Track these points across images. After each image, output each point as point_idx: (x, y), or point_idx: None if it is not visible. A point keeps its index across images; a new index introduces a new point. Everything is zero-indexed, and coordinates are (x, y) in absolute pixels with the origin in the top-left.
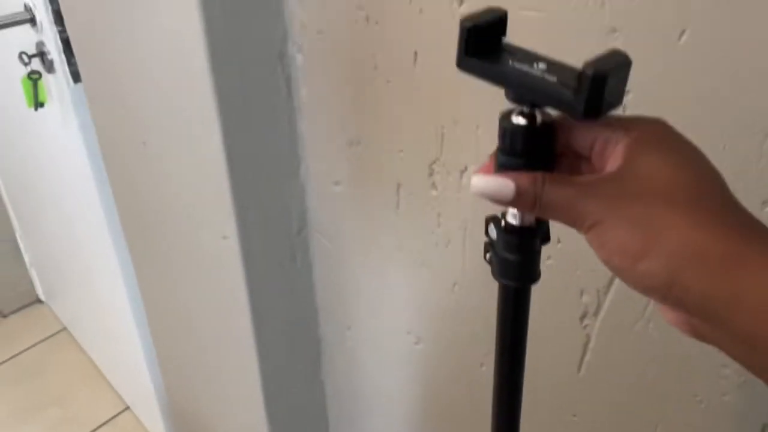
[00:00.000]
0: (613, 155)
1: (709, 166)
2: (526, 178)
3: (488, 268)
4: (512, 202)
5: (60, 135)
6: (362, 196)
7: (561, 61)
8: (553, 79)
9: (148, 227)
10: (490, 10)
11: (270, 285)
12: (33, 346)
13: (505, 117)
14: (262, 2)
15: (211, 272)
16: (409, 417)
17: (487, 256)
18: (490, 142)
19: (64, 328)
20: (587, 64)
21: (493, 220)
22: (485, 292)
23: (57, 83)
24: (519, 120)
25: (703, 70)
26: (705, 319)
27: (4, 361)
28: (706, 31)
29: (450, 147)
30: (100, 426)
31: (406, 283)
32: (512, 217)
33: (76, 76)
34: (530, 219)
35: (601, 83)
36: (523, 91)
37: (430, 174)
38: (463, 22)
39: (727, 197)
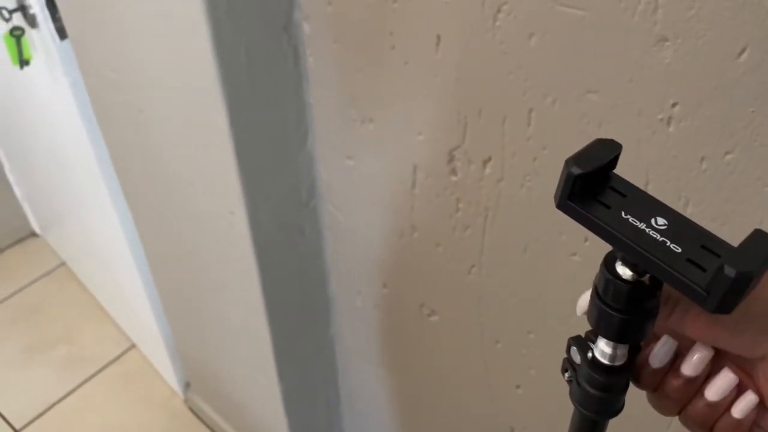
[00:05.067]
0: None
1: None
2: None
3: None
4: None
5: (49, 94)
6: (376, 173)
7: (684, 218)
8: (677, 249)
9: (148, 191)
10: (600, 146)
11: (279, 252)
12: (33, 282)
13: (610, 265)
14: None
15: (217, 241)
16: (417, 378)
17: (566, 375)
18: (517, 135)
19: (63, 263)
20: (727, 257)
21: (577, 342)
22: (504, 278)
23: (42, 39)
24: (626, 274)
25: (763, 90)
26: None
27: (5, 299)
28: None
29: (474, 136)
30: (108, 364)
31: (421, 260)
32: (602, 354)
33: (62, 33)
34: (622, 358)
35: (743, 285)
36: (639, 259)
37: (450, 160)
38: (570, 165)
39: None
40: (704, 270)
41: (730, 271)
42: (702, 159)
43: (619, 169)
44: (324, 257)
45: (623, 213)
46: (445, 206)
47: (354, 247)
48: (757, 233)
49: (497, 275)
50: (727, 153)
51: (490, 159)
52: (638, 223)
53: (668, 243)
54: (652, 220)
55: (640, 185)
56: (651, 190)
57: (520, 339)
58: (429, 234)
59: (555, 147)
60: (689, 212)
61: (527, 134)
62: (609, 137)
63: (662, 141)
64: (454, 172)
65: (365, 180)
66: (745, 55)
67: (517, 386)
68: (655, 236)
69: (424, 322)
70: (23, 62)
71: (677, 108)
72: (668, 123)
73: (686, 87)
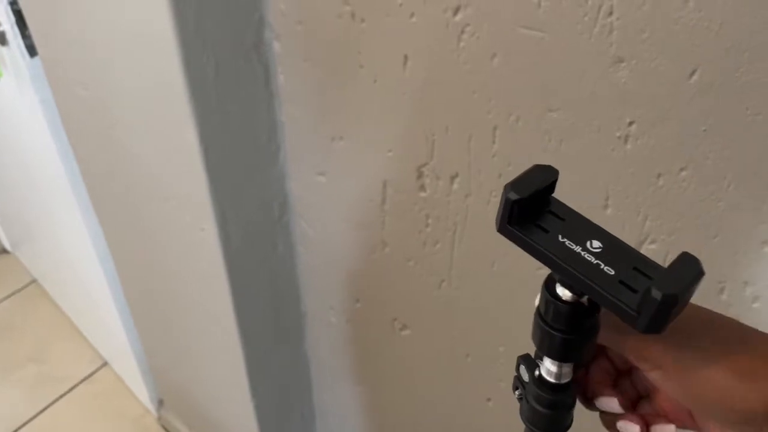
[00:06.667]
0: None
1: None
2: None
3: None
4: None
5: (19, 111)
6: (347, 189)
7: (619, 240)
8: (610, 271)
9: (119, 208)
10: (538, 172)
11: (251, 269)
12: (4, 299)
13: (550, 287)
14: None
15: (189, 257)
16: (390, 392)
17: (517, 392)
18: (482, 152)
19: (34, 280)
20: (656, 279)
21: (525, 360)
22: (473, 292)
23: (12, 56)
24: (566, 295)
25: (713, 110)
26: None
27: None
28: (717, 71)
29: (441, 153)
30: (79, 383)
31: (393, 275)
32: (548, 373)
33: (32, 50)
34: (567, 376)
35: (669, 306)
36: (574, 281)
37: (419, 176)
38: (508, 192)
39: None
40: (635, 291)
41: (656, 294)
42: (659, 175)
43: (580, 186)
44: (297, 273)
45: (560, 236)
46: (415, 222)
47: (326, 263)
48: (685, 256)
49: (466, 289)
50: (681, 169)
51: (457, 175)
52: (574, 246)
53: (602, 266)
54: (588, 243)
55: (601, 201)
56: (611, 206)
57: (490, 352)
58: (400, 249)
59: (519, 164)
60: (647, 227)
61: (492, 151)
62: (571, 154)
63: (620, 158)
64: (422, 188)
65: (337, 196)
66: (695, 77)
67: (488, 399)
68: (590, 259)
69: (396, 336)
70: None
71: (634, 126)
72: (626, 141)
73: (642, 106)
